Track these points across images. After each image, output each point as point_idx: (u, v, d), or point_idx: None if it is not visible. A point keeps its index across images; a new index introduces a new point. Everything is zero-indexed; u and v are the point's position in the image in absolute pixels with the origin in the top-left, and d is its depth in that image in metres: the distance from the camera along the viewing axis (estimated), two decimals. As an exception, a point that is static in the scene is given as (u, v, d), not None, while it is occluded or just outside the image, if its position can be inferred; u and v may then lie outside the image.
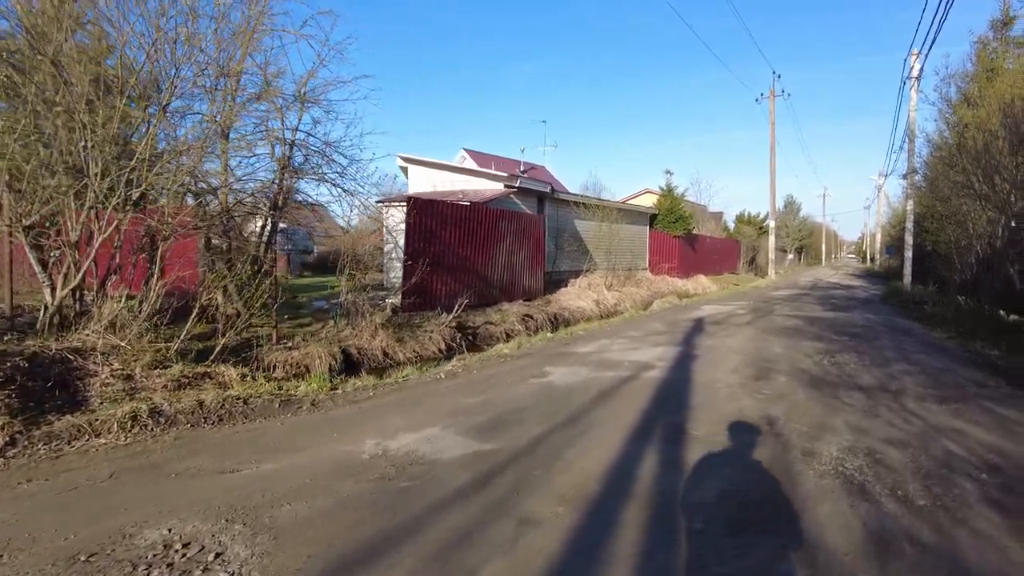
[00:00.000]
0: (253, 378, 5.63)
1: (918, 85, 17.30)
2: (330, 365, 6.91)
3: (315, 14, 7.70)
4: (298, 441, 4.17)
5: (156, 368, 5.16)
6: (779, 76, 32.59)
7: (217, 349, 6.02)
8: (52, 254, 5.85)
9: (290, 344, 7.16)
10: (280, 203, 8.08)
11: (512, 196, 14.99)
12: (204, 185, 7.63)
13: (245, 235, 8.52)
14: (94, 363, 4.92)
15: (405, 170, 17.62)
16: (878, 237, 48.43)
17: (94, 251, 5.67)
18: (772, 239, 29.64)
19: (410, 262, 9.44)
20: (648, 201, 27.47)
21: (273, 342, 7.19)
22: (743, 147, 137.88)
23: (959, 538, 2.73)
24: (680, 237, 23.06)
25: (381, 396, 5.56)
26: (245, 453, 3.87)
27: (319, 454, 3.88)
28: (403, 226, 9.71)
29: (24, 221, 5.41)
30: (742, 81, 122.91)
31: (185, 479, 3.43)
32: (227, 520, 2.88)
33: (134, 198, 5.78)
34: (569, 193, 18.49)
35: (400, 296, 9.52)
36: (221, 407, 4.68)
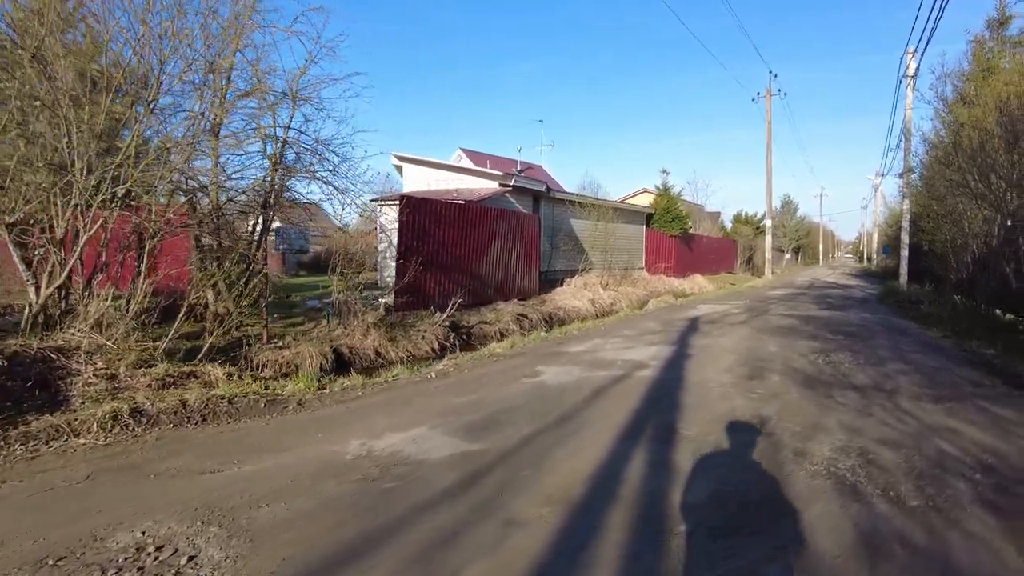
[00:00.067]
0: (240, 377, 5.55)
1: (914, 84, 17.28)
2: (321, 364, 6.83)
3: (306, 11, 7.61)
4: (283, 441, 4.09)
5: (141, 367, 5.08)
6: (776, 75, 32.33)
7: (204, 348, 5.95)
8: (36, 252, 5.76)
9: (281, 343, 7.09)
10: (272, 201, 8.00)
11: (507, 195, 14.94)
12: (194, 183, 7.55)
13: (238, 234, 8.44)
14: (77, 362, 4.85)
15: (400, 169, 17.55)
16: (875, 237, 48.46)
17: (80, 249, 5.59)
18: (769, 239, 29.61)
19: (403, 261, 9.36)
20: (645, 200, 27.46)
21: (263, 341, 7.11)
22: (740, 146, 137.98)
23: (951, 540, 2.67)
24: (676, 237, 23.03)
25: (370, 396, 5.49)
26: (227, 453, 3.80)
27: (303, 454, 3.81)
28: (397, 225, 9.64)
29: (7, 218, 5.33)
30: (739, 80, 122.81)
31: (164, 480, 3.36)
32: (203, 522, 2.81)
33: (120, 195, 5.70)
34: (565, 192, 18.44)
35: (393, 295, 9.45)
36: (205, 407, 4.60)
